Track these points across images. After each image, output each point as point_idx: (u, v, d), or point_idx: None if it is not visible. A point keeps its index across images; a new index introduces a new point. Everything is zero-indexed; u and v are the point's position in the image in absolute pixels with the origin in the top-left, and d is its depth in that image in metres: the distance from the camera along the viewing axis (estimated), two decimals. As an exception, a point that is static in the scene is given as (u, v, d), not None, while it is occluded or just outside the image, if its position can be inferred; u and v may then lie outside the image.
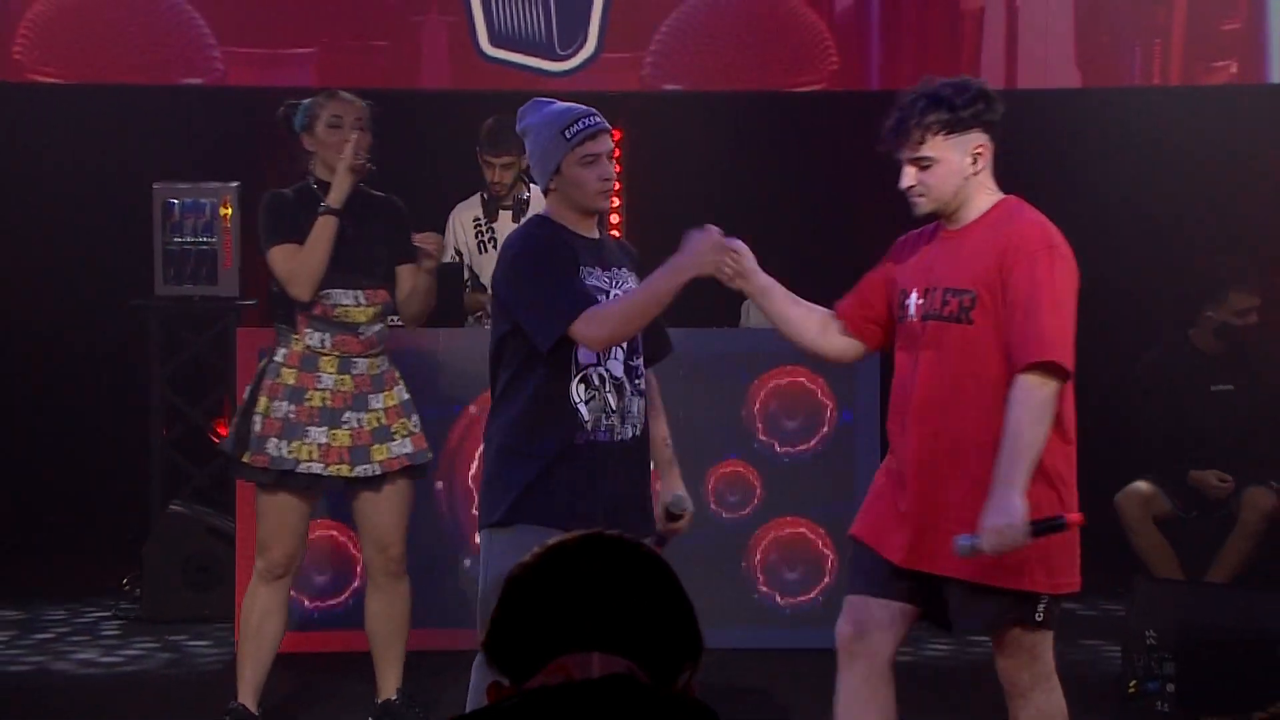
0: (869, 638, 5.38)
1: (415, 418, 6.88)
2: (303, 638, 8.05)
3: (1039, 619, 5.28)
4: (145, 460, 9.68)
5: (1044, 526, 5.04)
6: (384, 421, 6.76)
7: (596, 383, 5.42)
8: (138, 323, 9.68)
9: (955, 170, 5.19)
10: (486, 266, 8.12)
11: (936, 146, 5.17)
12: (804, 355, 6.43)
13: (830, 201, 11.01)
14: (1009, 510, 4.93)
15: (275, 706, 7.23)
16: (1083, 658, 8.35)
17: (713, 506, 8.38)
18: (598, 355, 5.41)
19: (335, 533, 8.27)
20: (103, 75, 10.06)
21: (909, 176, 5.23)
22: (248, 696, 6.87)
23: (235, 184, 9.46)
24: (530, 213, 8.14)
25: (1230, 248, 9.48)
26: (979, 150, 5.20)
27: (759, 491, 8.44)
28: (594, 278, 5.44)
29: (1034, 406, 4.99)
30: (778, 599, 8.45)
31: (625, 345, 5.52)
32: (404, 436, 6.79)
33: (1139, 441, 8.96)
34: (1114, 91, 10.43)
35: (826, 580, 8.42)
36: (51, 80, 9.95)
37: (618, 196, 9.78)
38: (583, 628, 2.37)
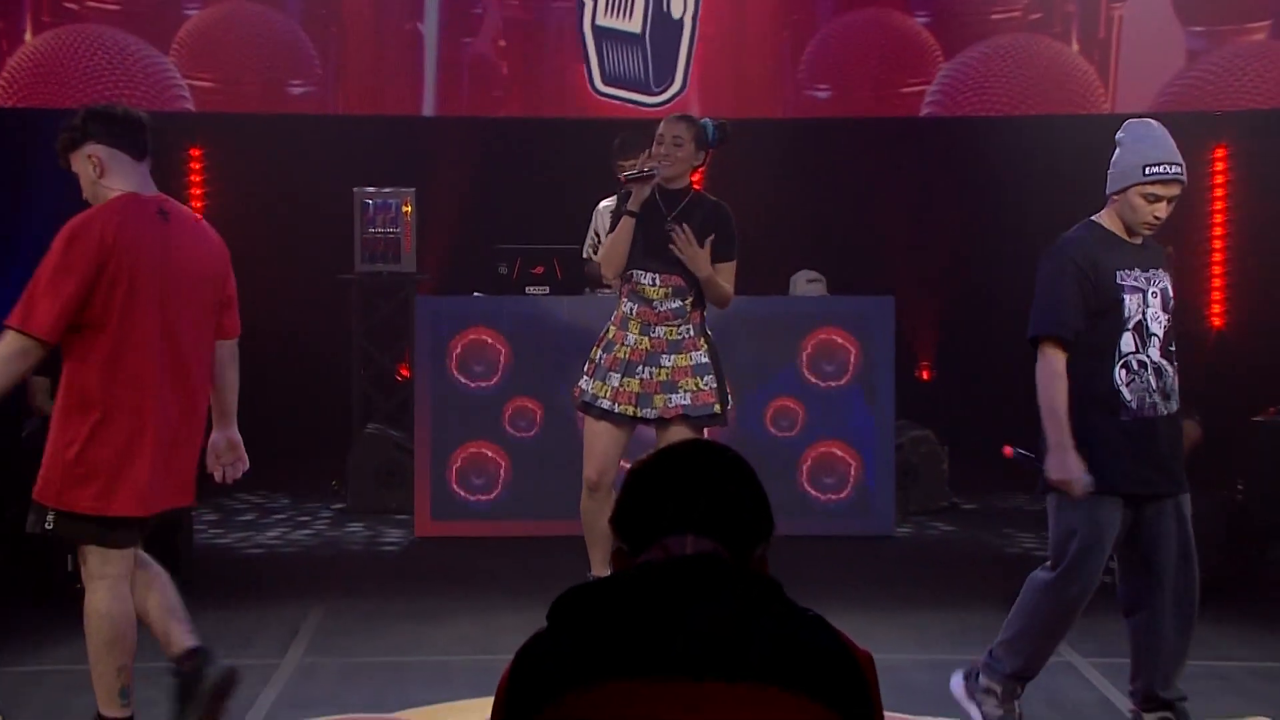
0: None
1: (708, 378, 6.34)
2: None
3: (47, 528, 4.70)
4: (348, 394, 9.76)
5: None
6: (672, 377, 6.35)
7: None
8: (343, 291, 9.78)
9: (87, 179, 4.72)
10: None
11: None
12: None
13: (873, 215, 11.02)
14: None
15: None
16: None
17: (771, 430, 8.45)
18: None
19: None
20: (324, 108, 10.13)
21: None
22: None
23: (412, 189, 9.54)
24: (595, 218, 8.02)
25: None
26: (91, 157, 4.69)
27: (803, 418, 8.50)
28: (1131, 279, 4.89)
29: None
30: (819, 497, 8.51)
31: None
32: (687, 391, 6.33)
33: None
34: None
35: (851, 483, 8.49)
36: (299, 112, 10.04)
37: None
38: (680, 514, 2.29)
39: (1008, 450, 5.75)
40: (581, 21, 9.74)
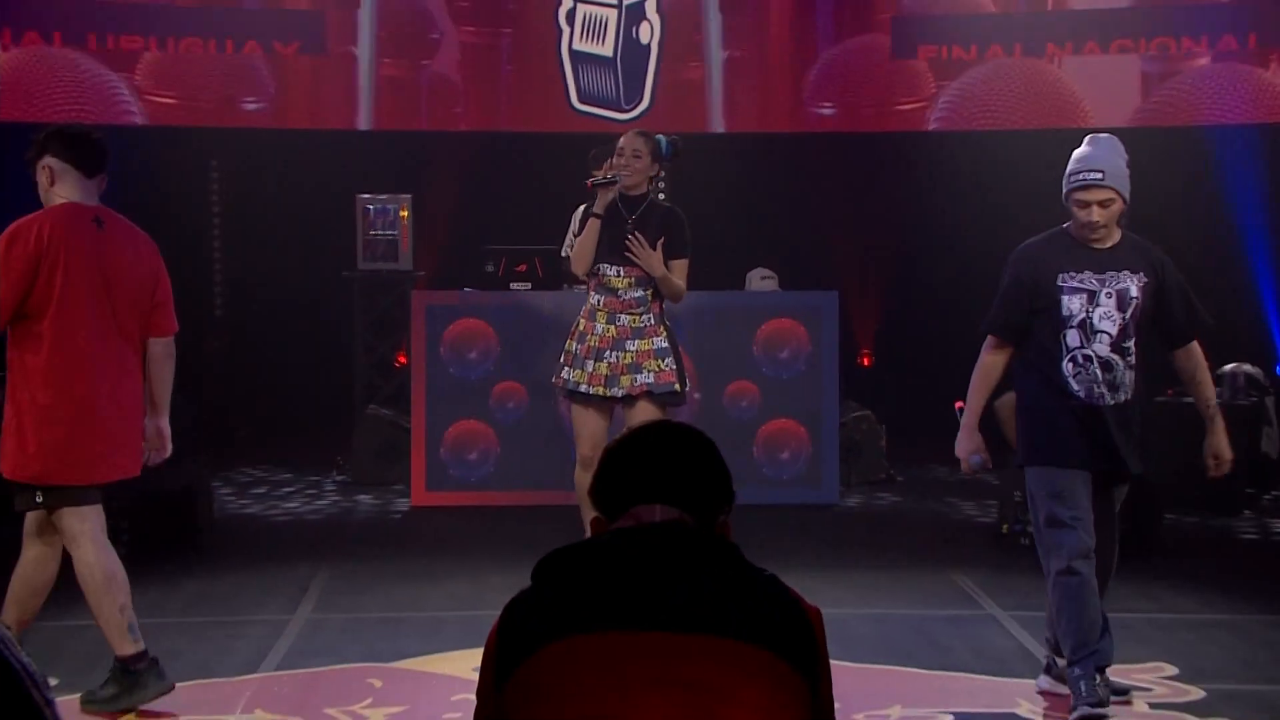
0: None
1: (668, 360, 6.39)
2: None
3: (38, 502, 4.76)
4: (351, 378, 9.74)
5: None
6: (636, 359, 6.40)
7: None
8: (346, 288, 9.75)
9: (42, 187, 4.85)
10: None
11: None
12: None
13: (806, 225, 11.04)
14: None
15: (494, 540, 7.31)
16: (973, 512, 8.44)
17: (728, 410, 8.48)
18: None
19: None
20: (329, 122, 10.09)
21: None
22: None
23: (409, 196, 9.52)
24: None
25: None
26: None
27: (758, 399, 8.52)
28: (1075, 281, 4.80)
29: None
30: (771, 471, 8.54)
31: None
32: (650, 371, 6.37)
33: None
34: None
35: (800, 457, 8.52)
36: (314, 127, 10.00)
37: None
38: (650, 486, 2.31)
39: (959, 404, 5.80)
40: (560, 46, 9.74)
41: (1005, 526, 7.47)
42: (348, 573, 6.86)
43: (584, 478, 6.48)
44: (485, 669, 2.24)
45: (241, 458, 9.74)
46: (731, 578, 2.24)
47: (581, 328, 6.51)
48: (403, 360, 9.72)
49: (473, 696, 2.34)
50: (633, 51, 9.74)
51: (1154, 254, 4.87)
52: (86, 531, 4.78)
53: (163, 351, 5.03)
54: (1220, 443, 5.00)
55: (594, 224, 6.46)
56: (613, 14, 9.70)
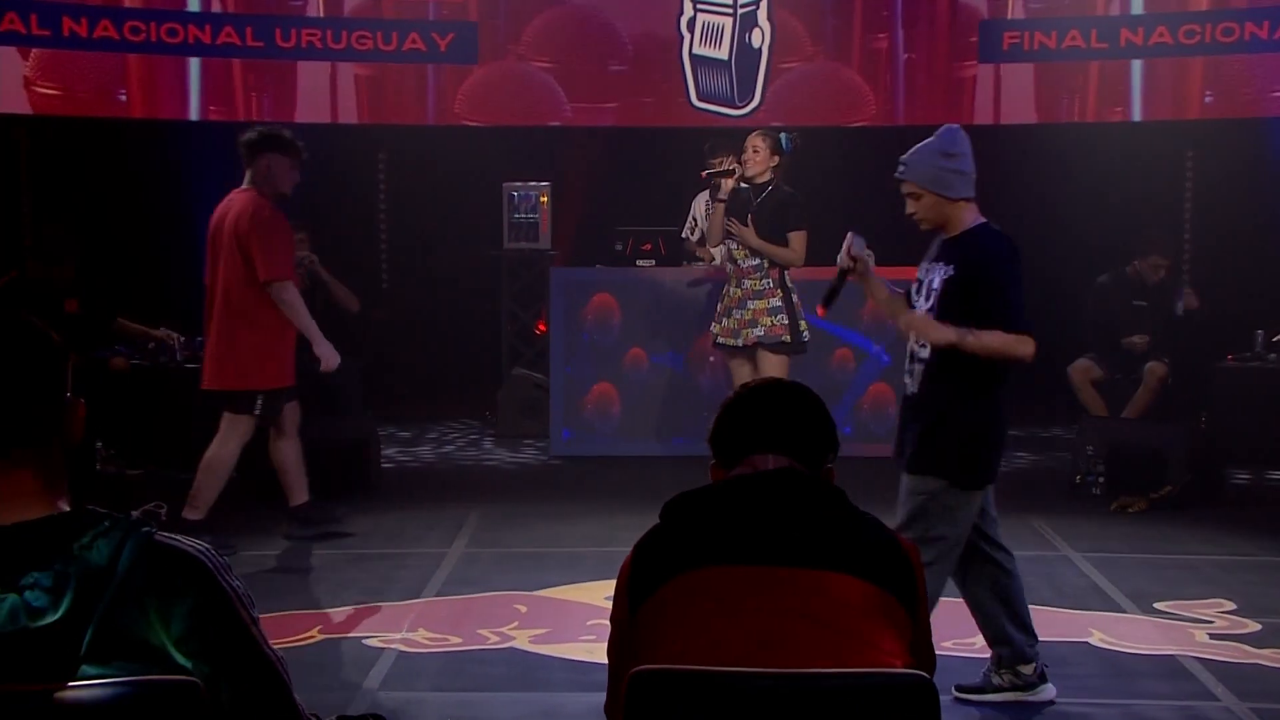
0: None
1: (780, 317, 6.80)
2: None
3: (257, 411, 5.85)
4: (498, 344, 9.79)
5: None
6: (754, 316, 6.84)
7: None
8: (494, 264, 9.80)
9: None
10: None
11: None
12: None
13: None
14: None
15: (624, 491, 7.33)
16: (1050, 464, 8.30)
17: (835, 371, 8.37)
18: None
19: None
20: (500, 119, 10.05)
21: None
22: None
23: (548, 183, 9.53)
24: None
25: (1153, 228, 9.02)
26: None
27: (858, 365, 8.41)
28: (921, 271, 4.25)
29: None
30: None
31: None
32: (763, 326, 6.81)
33: (1080, 331, 8.66)
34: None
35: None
36: (475, 123, 9.99)
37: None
38: (763, 436, 2.29)
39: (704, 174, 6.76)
40: (681, 51, 9.69)
41: (1079, 477, 7.34)
42: (496, 513, 6.91)
43: None
44: (619, 598, 2.25)
45: (404, 412, 9.87)
46: (839, 518, 2.23)
47: (724, 290, 7.09)
48: (542, 328, 9.75)
49: (606, 622, 2.35)
50: (745, 54, 9.66)
51: (976, 250, 4.08)
52: (244, 435, 5.99)
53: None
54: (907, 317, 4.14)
55: (719, 208, 7.03)
56: (728, 21, 9.63)
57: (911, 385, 4.19)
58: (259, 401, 5.84)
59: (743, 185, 6.97)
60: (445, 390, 10.42)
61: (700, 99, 9.74)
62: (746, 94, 9.81)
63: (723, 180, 7.01)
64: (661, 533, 2.25)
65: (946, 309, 4.07)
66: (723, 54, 9.70)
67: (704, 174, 7.22)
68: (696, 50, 9.68)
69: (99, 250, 8.87)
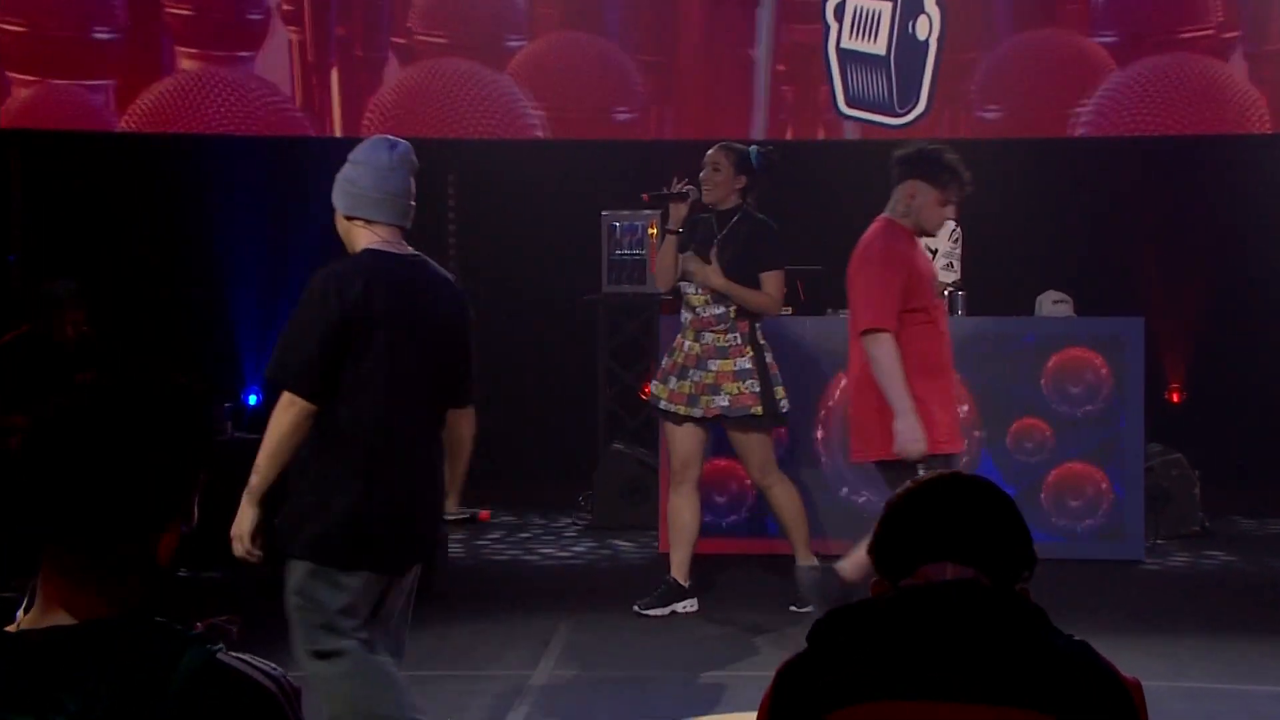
0: None
1: (750, 382, 6.78)
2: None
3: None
4: (594, 412, 9.85)
5: None
6: (716, 380, 6.80)
7: None
8: (590, 312, 9.88)
9: None
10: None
11: None
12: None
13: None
14: None
15: (699, 587, 7.34)
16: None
17: (1013, 453, 8.29)
18: None
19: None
20: (578, 133, 10.21)
21: None
22: (678, 572, 7.01)
23: (657, 213, 9.58)
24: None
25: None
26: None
27: (1050, 439, 8.32)
28: None
29: None
30: (1064, 520, 8.32)
31: None
32: (727, 394, 6.79)
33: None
34: None
35: (1099, 506, 8.28)
36: (547, 138, 10.16)
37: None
38: (939, 543, 2.30)
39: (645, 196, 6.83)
40: (826, 44, 9.71)
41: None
42: (591, 625, 6.94)
43: (674, 500, 7.00)
44: (757, 740, 2.24)
45: (477, 497, 9.93)
46: (1035, 644, 2.20)
47: (675, 342, 6.99)
48: (648, 391, 9.79)
49: (740, 770, 2.34)
50: (908, 49, 9.66)
51: None
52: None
53: None
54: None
55: (670, 240, 6.90)
56: (887, 7, 9.62)
57: None
58: None
59: (702, 214, 6.94)
60: (528, 469, 10.47)
61: (850, 105, 9.77)
62: (909, 98, 9.82)
63: (672, 204, 6.88)
64: (811, 659, 2.24)
65: None
66: (879, 49, 9.73)
67: (646, 196, 7.16)
68: (846, 44, 9.71)
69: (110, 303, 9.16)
